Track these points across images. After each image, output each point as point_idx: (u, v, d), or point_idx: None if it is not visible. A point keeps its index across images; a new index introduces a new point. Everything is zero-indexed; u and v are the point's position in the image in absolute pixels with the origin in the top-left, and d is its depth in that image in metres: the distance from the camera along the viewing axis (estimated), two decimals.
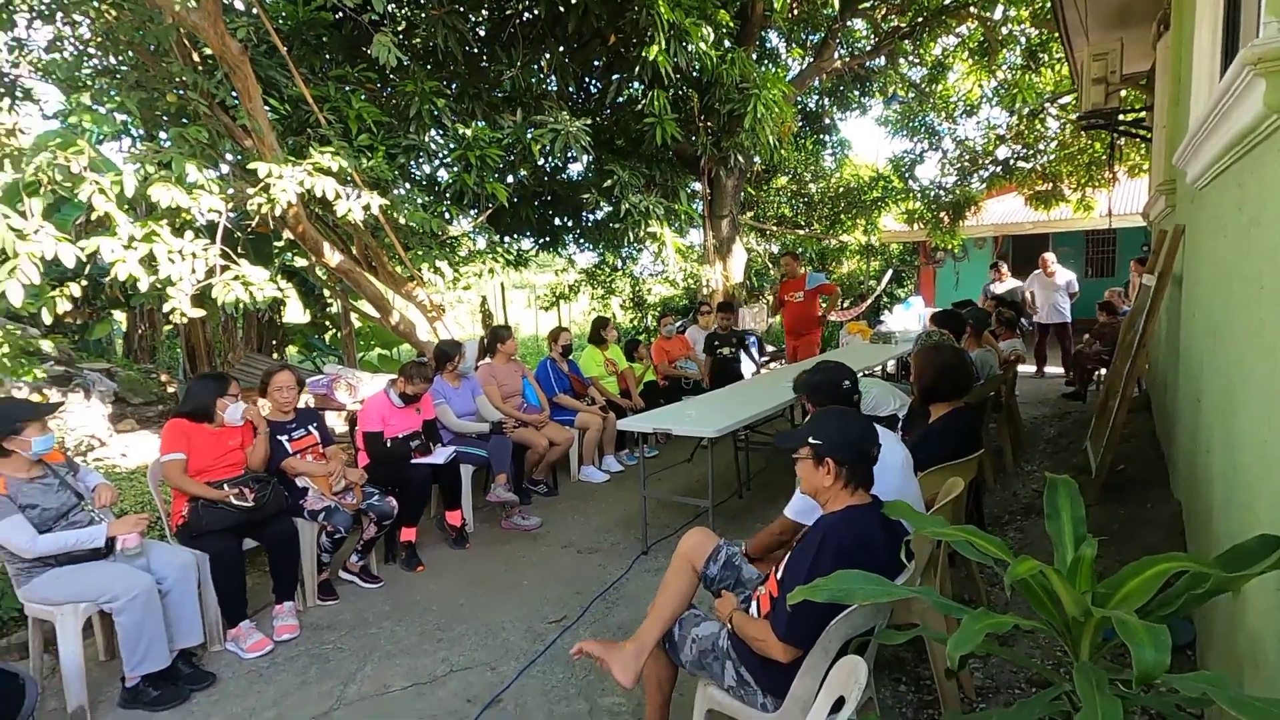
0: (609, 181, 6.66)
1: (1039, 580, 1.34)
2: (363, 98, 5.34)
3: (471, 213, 6.63)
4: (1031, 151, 10.44)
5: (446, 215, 6.05)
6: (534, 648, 2.97)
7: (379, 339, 10.61)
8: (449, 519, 4.14)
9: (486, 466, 4.34)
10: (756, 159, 8.70)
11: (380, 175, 4.98)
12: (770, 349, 10.25)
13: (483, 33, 6.99)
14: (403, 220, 5.32)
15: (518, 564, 3.87)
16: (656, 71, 5.84)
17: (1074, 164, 10.04)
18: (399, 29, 6.23)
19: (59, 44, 4.72)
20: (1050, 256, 8.18)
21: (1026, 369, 7.93)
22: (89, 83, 4.66)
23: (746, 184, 9.85)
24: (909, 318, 10.25)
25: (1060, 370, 8.00)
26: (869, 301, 11.95)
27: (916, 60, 10.35)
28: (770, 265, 12.73)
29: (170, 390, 7.50)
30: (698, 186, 8.67)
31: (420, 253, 6.05)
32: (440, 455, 4.05)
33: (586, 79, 7.82)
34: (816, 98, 10.89)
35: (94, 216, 3.75)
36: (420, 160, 6.25)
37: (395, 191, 5.67)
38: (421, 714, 2.56)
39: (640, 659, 2.01)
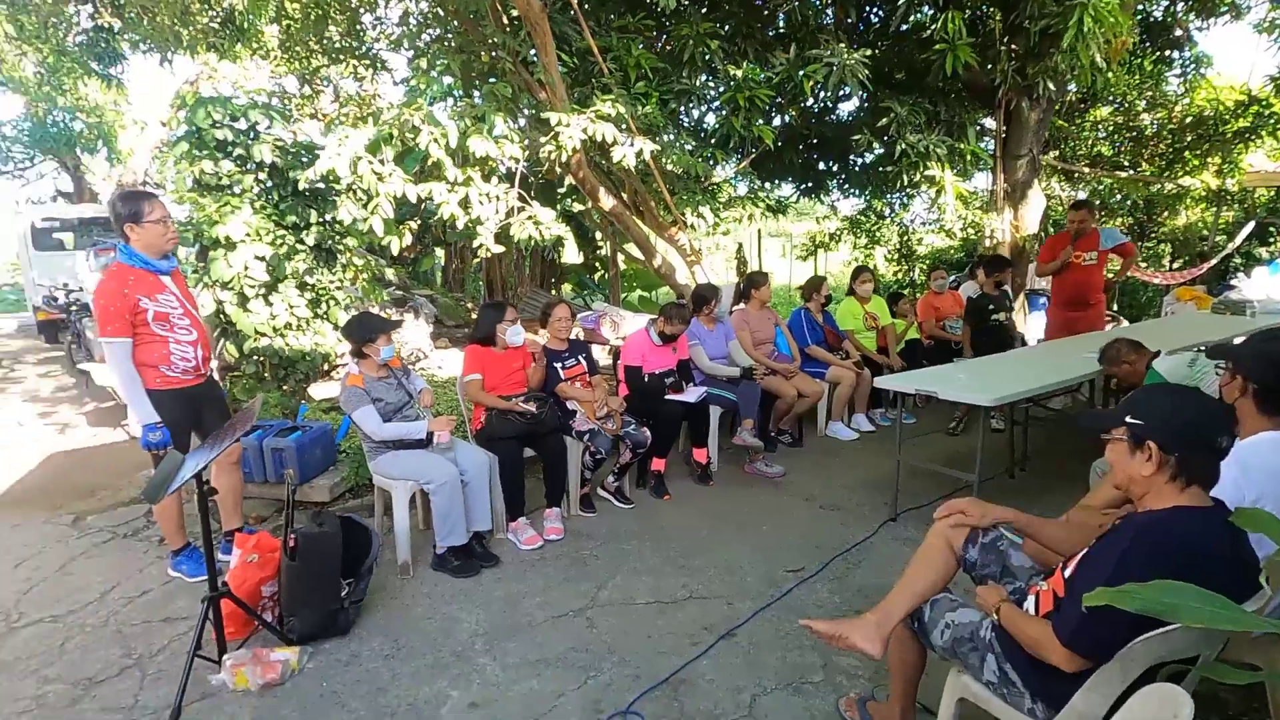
0: (884, 120, 6.11)
1: None
2: (640, 46, 5.54)
3: (736, 157, 6.61)
4: None
5: (711, 160, 6.10)
6: (769, 592, 3.00)
7: (641, 281, 11.27)
8: (695, 455, 4.32)
9: (734, 410, 4.41)
10: (1072, 86, 7.29)
11: (653, 121, 5.16)
12: None
13: None
14: (669, 166, 5.49)
15: (758, 508, 3.92)
16: None
17: None
18: None
19: (407, 18, 5.61)
20: None
21: None
22: (425, 51, 5.50)
23: (1055, 117, 8.34)
24: (1275, 284, 8.01)
25: None
26: (1212, 262, 9.54)
27: None
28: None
29: (474, 316, 8.84)
30: (990, 123, 7.57)
31: (684, 197, 6.21)
32: (692, 394, 4.20)
33: (868, 7, 7.18)
34: (1166, 3, 8.69)
35: (428, 165, 4.46)
36: (690, 105, 6.33)
37: (665, 137, 5.86)
38: (661, 630, 2.75)
39: (885, 629, 1.90)
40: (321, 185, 4.66)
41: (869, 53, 5.44)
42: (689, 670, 2.49)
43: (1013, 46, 6.31)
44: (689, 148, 5.96)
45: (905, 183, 6.57)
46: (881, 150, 6.97)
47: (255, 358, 4.71)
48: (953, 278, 7.15)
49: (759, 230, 12.25)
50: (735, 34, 6.17)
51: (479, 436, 3.67)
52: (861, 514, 3.81)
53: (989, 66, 6.29)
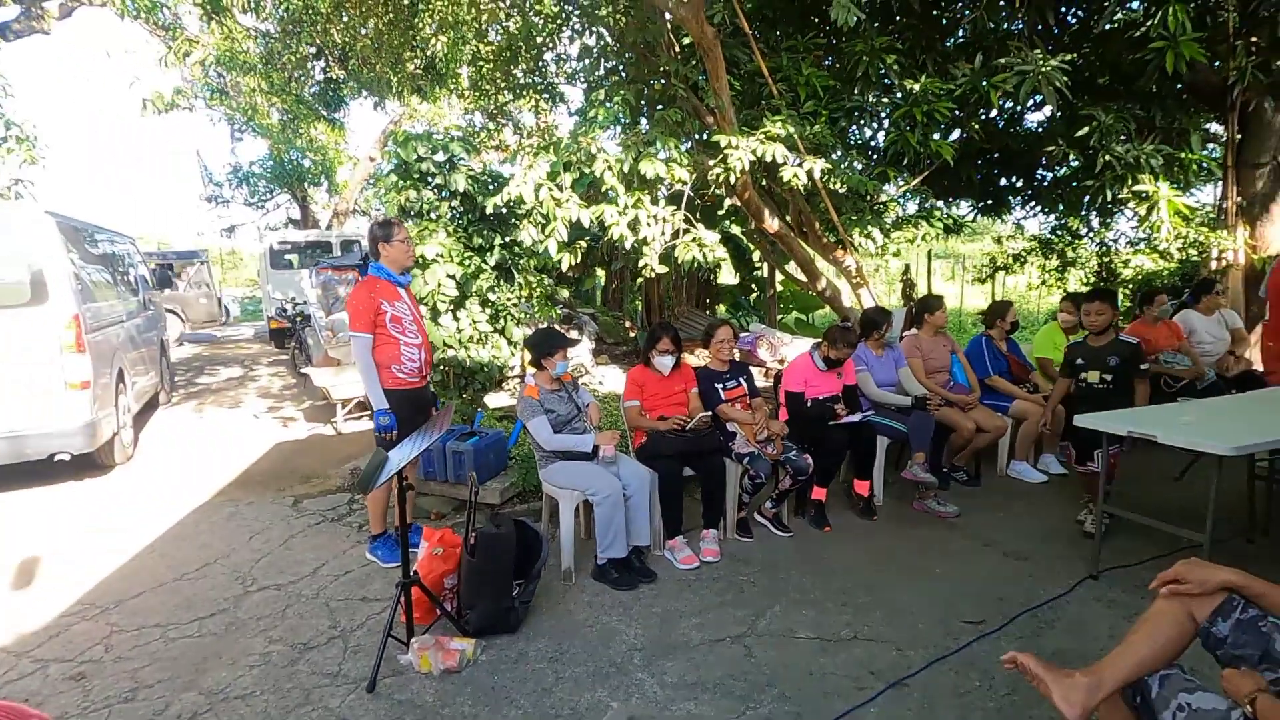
0: (1084, 129, 5.52)
1: None
2: (810, 65, 5.47)
3: (906, 175, 6.29)
4: None
5: (881, 178, 5.85)
6: (945, 643, 2.76)
7: (798, 303, 11.04)
8: (857, 487, 4.11)
9: (904, 441, 4.15)
10: None
11: (822, 141, 5.06)
12: None
13: None
14: (837, 186, 5.34)
15: (929, 550, 3.64)
16: None
17: None
18: None
19: (587, 53, 5.96)
20: None
21: None
22: (600, 82, 5.81)
23: None
24: None
25: None
26: None
27: None
28: None
29: (632, 335, 9.10)
30: (1217, 128, 6.59)
31: (851, 218, 6.01)
32: (855, 416, 4.02)
33: (1064, 8, 6.56)
34: None
35: (604, 189, 4.69)
36: (861, 123, 6.13)
37: (834, 156, 5.71)
38: (824, 669, 2.62)
39: (1094, 697, 1.66)
40: (504, 210, 5.06)
41: (1069, 57, 4.95)
42: (855, 716, 2.35)
43: (1252, 39, 5.46)
44: (858, 167, 5.77)
45: (1108, 198, 5.87)
46: (1079, 163, 6.30)
47: (441, 367, 5.18)
48: (1170, 304, 6.25)
49: (929, 252, 11.53)
50: (913, 47, 5.89)
51: (640, 453, 3.75)
52: (1053, 567, 3.40)
53: (1219, 64, 5.49)
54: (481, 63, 7.10)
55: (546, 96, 6.97)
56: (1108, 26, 5.93)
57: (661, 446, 3.63)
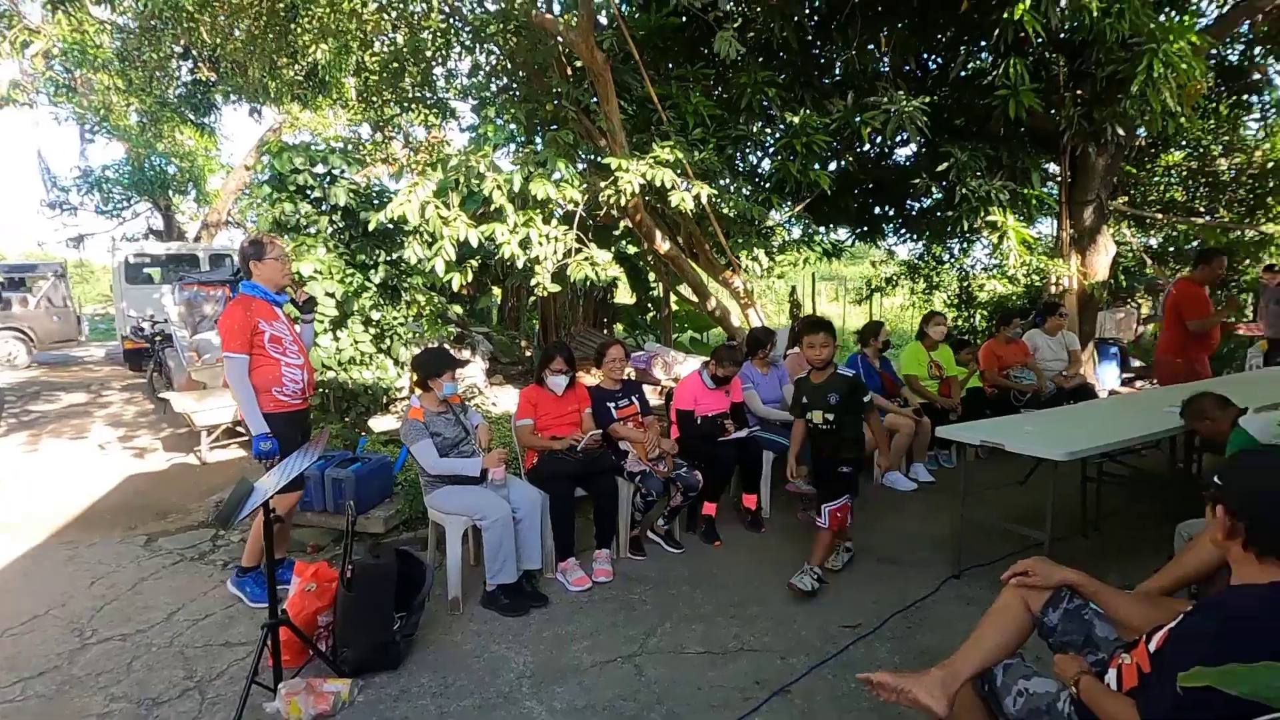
0: (943, 165, 6.07)
1: None
2: (699, 94, 5.68)
3: (790, 202, 6.64)
4: None
5: (766, 204, 6.15)
6: (825, 648, 2.88)
7: (693, 323, 11.31)
8: (745, 501, 4.24)
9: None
10: (1141, 130, 7.10)
11: (710, 167, 5.25)
12: (1137, 364, 8.38)
13: (816, 19, 6.89)
14: (726, 210, 5.56)
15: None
16: (1018, 35, 5.11)
17: None
18: (736, 25, 6.47)
19: (476, 70, 5.90)
20: None
21: None
22: (491, 100, 5.77)
23: (1124, 162, 8.12)
24: None
25: None
26: None
27: None
28: (1147, 260, 10.34)
29: (528, 354, 8.99)
30: (1055, 168, 7.42)
31: (739, 241, 6.26)
32: (742, 432, 4.16)
33: (926, 55, 7.20)
34: (1241, 48, 8.43)
35: (493, 208, 4.63)
36: (746, 150, 6.43)
37: (721, 182, 5.94)
38: (712, 682, 2.67)
39: (951, 686, 1.80)
40: (390, 226, 4.89)
41: (927, 99, 5.43)
42: None
43: (1078, 92, 6.20)
44: (745, 192, 6.03)
45: (965, 228, 6.46)
46: (940, 195, 6.89)
47: (320, 390, 4.89)
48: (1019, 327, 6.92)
49: (813, 274, 12.18)
50: (793, 82, 6.26)
51: (532, 474, 3.70)
52: (922, 569, 3.65)
53: (1053, 112, 6.19)
54: (367, 74, 6.86)
55: (436, 111, 6.82)
56: (962, 74, 6.56)
57: (553, 467, 3.59)
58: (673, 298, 9.89)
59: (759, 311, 6.23)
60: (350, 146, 7.50)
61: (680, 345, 10.85)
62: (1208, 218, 9.43)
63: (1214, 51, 7.60)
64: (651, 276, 10.01)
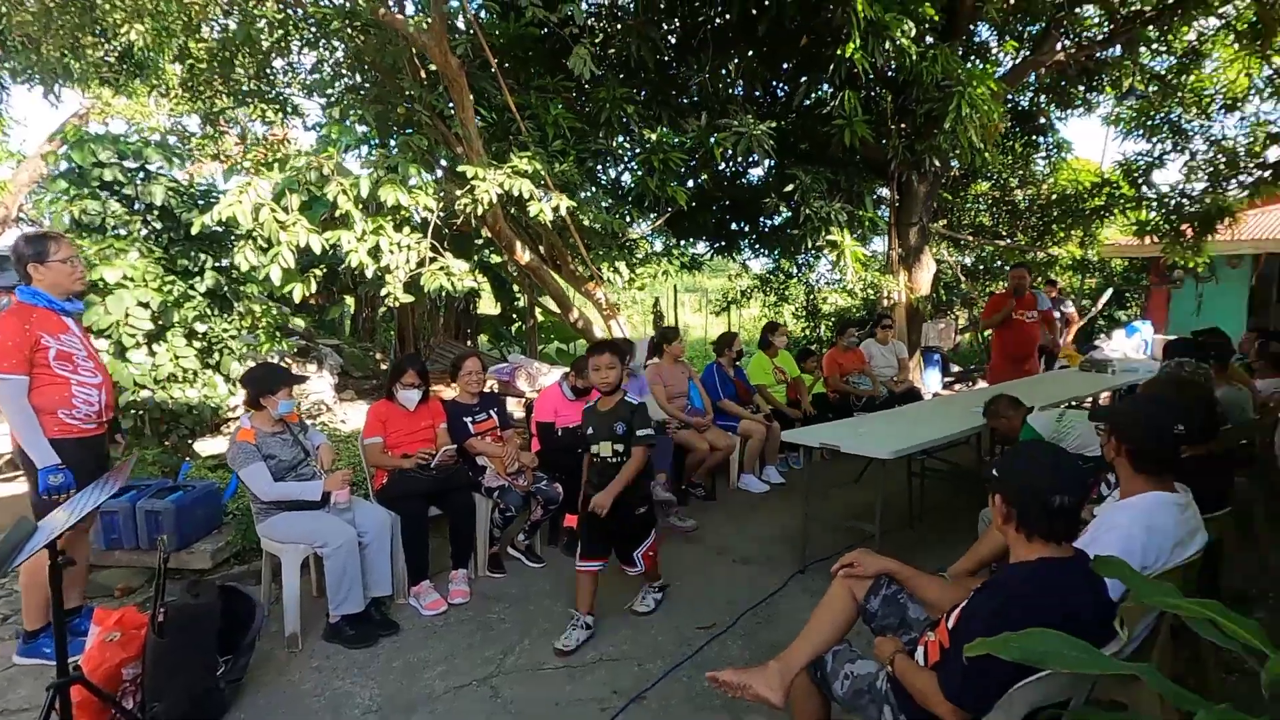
0: (790, 186, 6.50)
1: None
2: (559, 106, 5.69)
3: (651, 216, 6.81)
4: None
5: (627, 218, 6.27)
6: (681, 651, 2.96)
7: (559, 334, 11.26)
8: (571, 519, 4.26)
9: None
10: (955, 163, 8.03)
11: (570, 179, 5.27)
12: (956, 369, 9.42)
13: (674, 40, 7.15)
14: (586, 222, 5.60)
15: (671, 564, 3.88)
16: (850, 71, 5.59)
17: None
18: (596, 41, 6.56)
19: (320, 66, 5.54)
20: None
21: None
22: (339, 99, 5.44)
23: (941, 190, 9.12)
24: (1131, 345, 8.91)
25: None
26: (1080, 324, 10.55)
27: (1162, 48, 8.92)
28: (962, 278, 11.67)
29: (384, 367, 8.53)
30: (885, 192, 8.19)
31: (600, 253, 6.33)
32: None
33: (774, 82, 7.70)
34: (1031, 95, 9.79)
35: (337, 214, 4.35)
36: (607, 164, 6.52)
37: (582, 194, 5.98)
38: (569, 697, 2.65)
39: (786, 677, 1.93)
40: (219, 229, 4.45)
41: (774, 124, 5.80)
42: None
43: (902, 125, 6.89)
44: (606, 205, 6.11)
45: (810, 245, 6.95)
46: (789, 214, 7.37)
47: (134, 411, 4.34)
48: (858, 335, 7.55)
49: (675, 286, 12.59)
50: (651, 100, 6.45)
51: (381, 495, 3.50)
52: (773, 566, 3.85)
53: (883, 142, 6.83)
54: (192, 61, 6.22)
55: (277, 107, 6.31)
56: (806, 103, 7.08)
57: (405, 486, 3.42)
58: (538, 309, 9.80)
59: (621, 323, 6.32)
60: (173, 140, 6.77)
61: (546, 356, 10.78)
62: (1008, 240, 10.81)
63: (1010, 97, 8.76)
64: (516, 288, 9.87)
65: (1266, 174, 8.85)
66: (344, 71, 5.57)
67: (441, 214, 5.23)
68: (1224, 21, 8.34)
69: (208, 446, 4.93)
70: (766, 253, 9.76)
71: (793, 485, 5.29)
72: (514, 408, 6.21)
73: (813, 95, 7.08)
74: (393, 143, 5.78)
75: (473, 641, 3.06)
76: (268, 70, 5.91)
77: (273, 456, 3.09)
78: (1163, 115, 9.17)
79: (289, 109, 6.15)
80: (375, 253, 4.23)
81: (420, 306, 8.41)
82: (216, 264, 4.58)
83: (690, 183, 7.50)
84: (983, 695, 1.46)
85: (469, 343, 9.97)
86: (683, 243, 8.42)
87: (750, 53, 6.80)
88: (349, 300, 10.51)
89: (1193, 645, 2.41)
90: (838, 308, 10.12)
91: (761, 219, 8.80)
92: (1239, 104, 8.87)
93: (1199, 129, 9.20)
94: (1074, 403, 4.83)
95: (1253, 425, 3.68)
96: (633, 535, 3.13)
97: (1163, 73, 9.08)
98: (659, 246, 9.05)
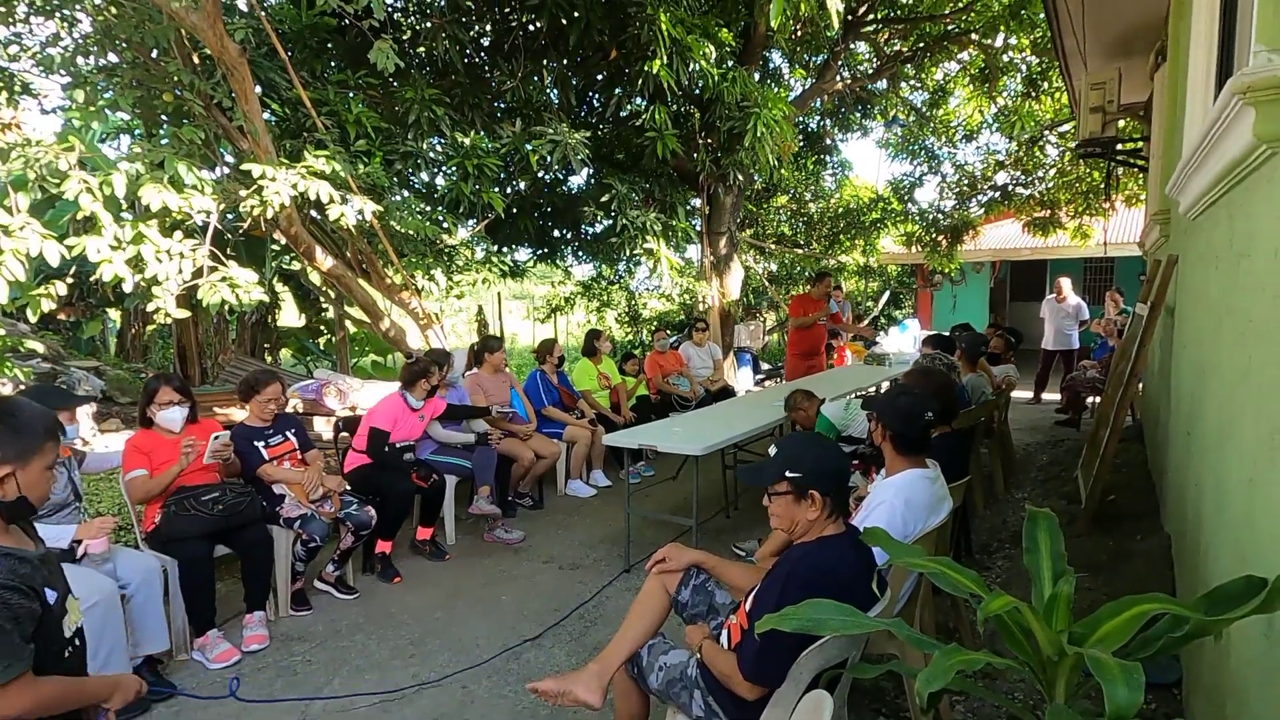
0: (607, 195, 6.66)
1: (1014, 617, 1.29)
2: (362, 104, 5.34)
3: (469, 222, 6.62)
4: (1030, 178, 10.49)
5: (443, 223, 6.03)
6: (508, 666, 2.90)
7: (373, 345, 10.57)
8: (419, 535, 4.06)
9: (471, 478, 4.28)
10: (756, 177, 8.72)
11: (376, 181, 4.96)
12: (766, 367, 10.23)
13: (485, 43, 7.02)
14: (398, 227, 5.30)
15: (498, 578, 3.81)
16: (658, 86, 5.86)
17: (1072, 192, 10.09)
18: (402, 37, 6.25)
19: (57, 38, 4.71)
20: (1065, 282, 8.11)
21: (1024, 394, 7.89)
22: (87, 79, 4.65)
23: (746, 202, 9.86)
24: (904, 340, 10.23)
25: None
26: (864, 323, 11.95)
27: (918, 85, 10.42)
28: (767, 283, 12.70)
29: None
30: (696, 203, 8.68)
31: (415, 260, 6.03)
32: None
33: (588, 92, 7.84)
34: (818, 119, 10.94)
35: (81, 216, 3.72)
36: (418, 168, 6.24)
37: (392, 198, 5.66)
38: None
39: (604, 679, 1.96)
40: None
41: (589, 134, 5.91)
42: None
43: (708, 140, 7.34)
44: (420, 211, 5.83)
45: (628, 253, 7.18)
46: (608, 222, 7.54)
47: None
48: (674, 338, 7.91)
49: (499, 293, 12.36)
50: (463, 103, 6.27)
51: (152, 539, 3.04)
52: (600, 569, 3.90)
53: (692, 155, 7.23)
54: None
55: (1, 84, 5.23)
56: (621, 114, 7.29)
57: (182, 526, 2.99)
58: (348, 320, 9.12)
59: (439, 332, 6.07)
60: None
61: (360, 370, 10.07)
62: (805, 249, 11.97)
63: (801, 119, 9.72)
64: (322, 298, 9.10)
65: (997, 194, 10.67)
66: (91, 47, 4.77)
67: (228, 217, 4.68)
68: (961, 66, 9.91)
69: None
70: (589, 259, 9.92)
71: (620, 488, 5.40)
72: (324, 427, 5.71)
73: (627, 107, 7.32)
74: (163, 135, 5.08)
75: (273, 689, 2.76)
76: None
77: None
78: (920, 142, 10.70)
79: (18, 87, 5.14)
80: (138, 262, 3.66)
81: (205, 320, 7.45)
82: None
83: (508, 189, 7.41)
84: (776, 668, 1.59)
85: (269, 359, 9.01)
86: (504, 250, 8.28)
87: (564, 61, 6.86)
88: (113, 315, 9.04)
89: (952, 597, 2.82)
90: (657, 312, 10.55)
91: (583, 226, 8.93)
92: (975, 135, 10.61)
93: (947, 155, 10.87)
94: (858, 393, 5.45)
95: (991, 404, 4.39)
96: None
97: (919, 105, 10.60)
98: (480, 253, 8.83)
